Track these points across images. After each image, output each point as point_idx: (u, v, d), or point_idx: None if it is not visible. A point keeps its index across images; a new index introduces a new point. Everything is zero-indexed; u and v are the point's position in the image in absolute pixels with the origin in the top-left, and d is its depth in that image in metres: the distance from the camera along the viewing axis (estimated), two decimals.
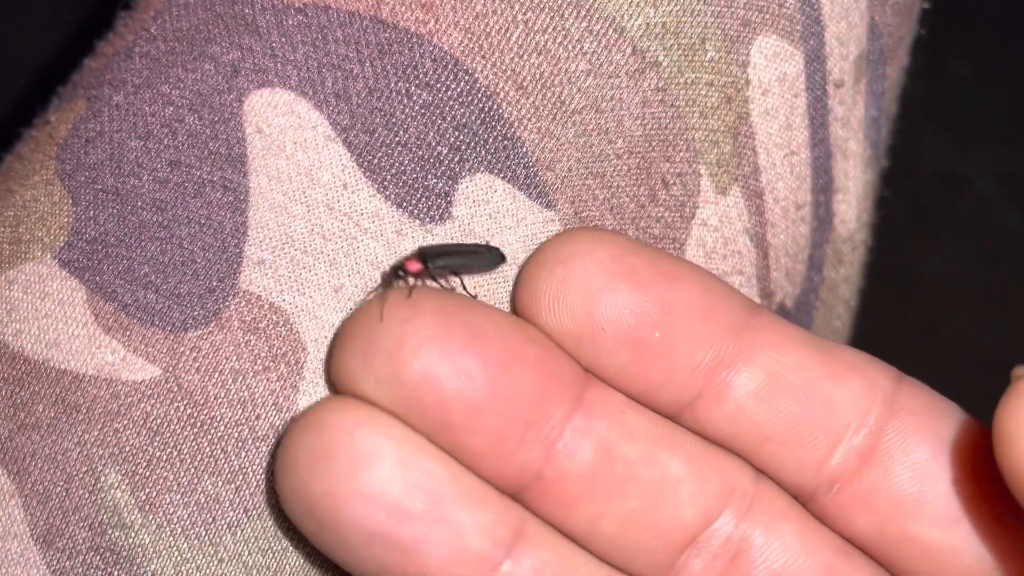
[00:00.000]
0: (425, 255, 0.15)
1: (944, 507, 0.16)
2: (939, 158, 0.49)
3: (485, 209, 0.15)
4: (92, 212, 0.15)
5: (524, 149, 0.15)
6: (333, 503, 0.14)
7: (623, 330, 0.15)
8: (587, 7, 0.15)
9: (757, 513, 0.17)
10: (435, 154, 0.15)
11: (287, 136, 0.15)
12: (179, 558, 0.15)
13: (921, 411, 0.16)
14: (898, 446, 0.16)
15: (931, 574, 0.17)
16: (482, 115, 0.15)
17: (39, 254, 0.15)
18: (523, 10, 0.15)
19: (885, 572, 0.17)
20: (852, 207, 0.19)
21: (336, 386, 0.15)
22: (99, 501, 0.14)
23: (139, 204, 0.15)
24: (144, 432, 0.14)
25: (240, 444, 0.15)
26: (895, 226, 0.26)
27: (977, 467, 0.16)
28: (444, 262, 0.15)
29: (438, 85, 0.15)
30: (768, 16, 0.17)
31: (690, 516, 0.16)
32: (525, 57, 0.15)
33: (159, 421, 0.14)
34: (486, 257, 0.15)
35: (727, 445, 0.17)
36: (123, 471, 0.14)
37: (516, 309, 0.16)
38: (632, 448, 0.16)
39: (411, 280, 0.15)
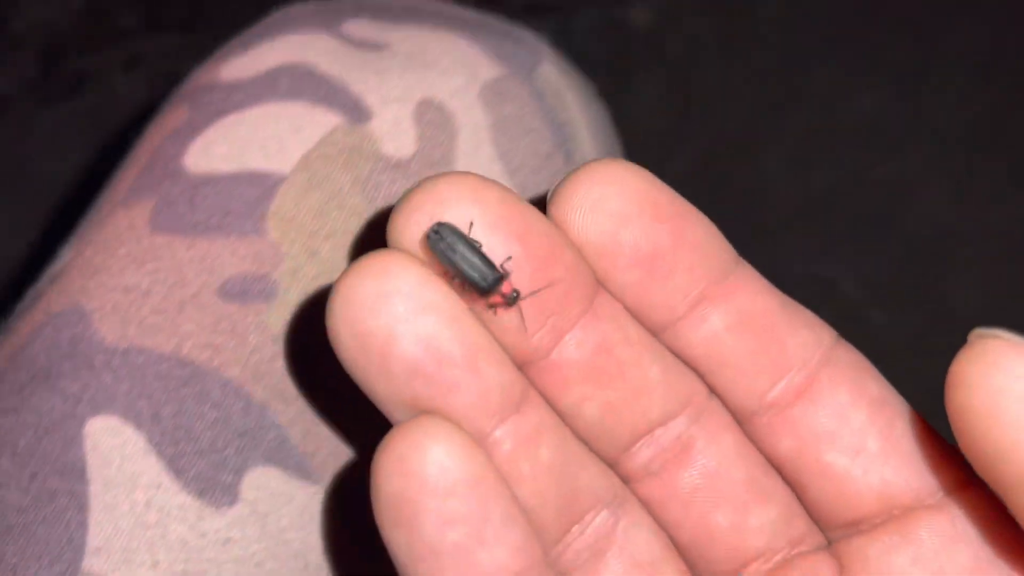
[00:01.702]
0: (497, 279, 0.17)
1: (852, 440, 0.18)
2: (808, 262, 0.53)
3: (266, 492, 0.20)
4: None
5: (292, 444, 0.20)
6: (389, 338, 0.16)
7: (639, 252, 0.18)
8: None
9: (705, 422, 0.19)
10: (224, 456, 0.20)
11: (115, 451, 0.20)
12: None
13: (850, 367, 0.19)
14: (826, 389, 0.19)
15: (832, 494, 0.19)
16: (258, 423, 0.20)
17: None
18: (283, 345, 0.21)
19: (789, 489, 0.19)
20: None
21: (398, 244, 0.17)
22: None
23: (6, 510, 0.20)
24: None
25: None
26: None
27: (886, 416, 0.19)
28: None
29: (224, 405, 0.20)
30: None
31: (655, 414, 0.18)
32: (287, 379, 0.20)
33: None
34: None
35: (692, 364, 0.19)
36: None
37: (549, 214, 0.18)
38: (626, 350, 0.18)
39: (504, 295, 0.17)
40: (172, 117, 0.23)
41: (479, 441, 0.17)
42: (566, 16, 0.55)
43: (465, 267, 0.17)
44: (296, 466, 0.20)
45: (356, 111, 0.22)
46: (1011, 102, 0.51)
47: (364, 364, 0.17)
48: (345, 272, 0.17)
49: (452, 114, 0.23)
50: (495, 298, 0.17)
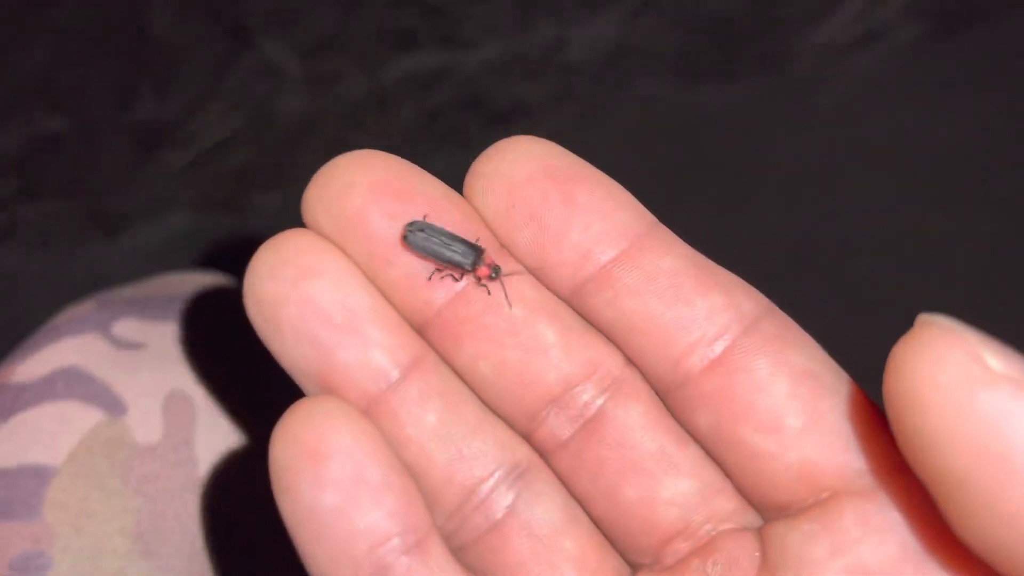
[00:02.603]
0: (478, 254, 0.18)
1: (770, 416, 0.17)
2: None
3: None
4: None
5: None
6: (279, 301, 0.17)
7: (529, 212, 0.18)
8: None
9: (617, 392, 0.18)
10: None
11: None
12: None
13: (776, 338, 0.18)
14: (744, 360, 0.17)
15: (751, 472, 0.18)
16: None
17: None
18: None
19: (714, 464, 0.18)
20: None
21: (304, 221, 0.18)
22: None
23: None
24: None
25: None
26: None
27: (811, 391, 0.17)
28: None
29: None
30: None
31: (553, 377, 0.18)
32: None
33: None
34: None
35: (606, 331, 0.18)
36: None
37: (464, 193, 0.19)
38: (517, 308, 0.18)
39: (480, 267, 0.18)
40: None
41: (365, 403, 0.18)
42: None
43: (446, 252, 0.18)
44: None
45: (116, 406, 0.27)
46: (818, 220, 0.57)
47: (263, 330, 0.18)
48: (260, 247, 0.18)
49: (192, 400, 0.27)
50: (481, 271, 0.18)
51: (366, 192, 0.18)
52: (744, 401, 0.17)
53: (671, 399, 0.18)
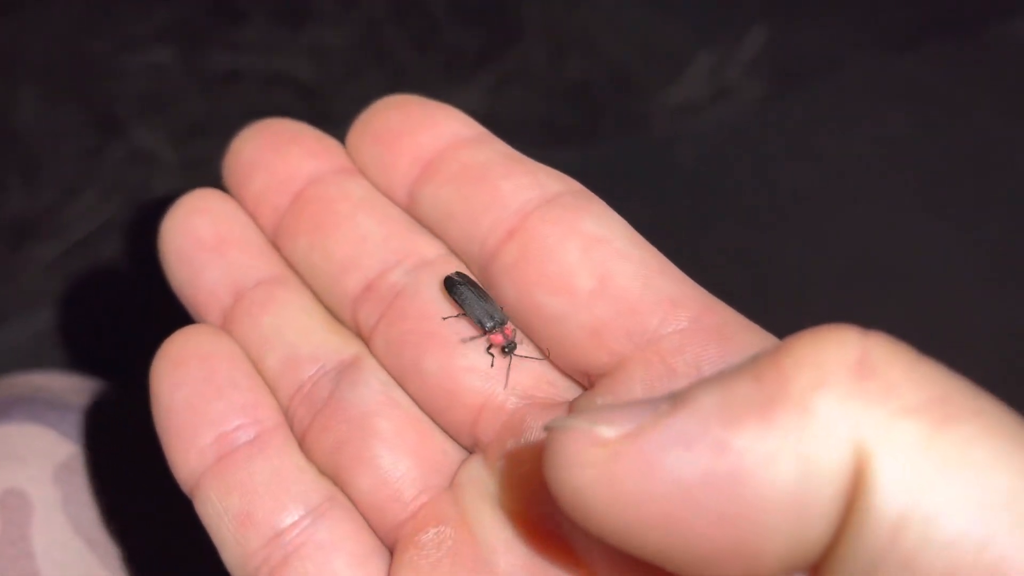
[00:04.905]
0: (500, 321, 0.19)
1: (560, 279, 0.18)
2: None
3: None
4: None
5: None
6: (171, 235, 0.21)
7: (373, 132, 0.21)
8: None
9: (423, 271, 0.20)
10: None
11: None
12: None
13: (571, 208, 0.19)
14: (536, 228, 0.18)
15: (551, 337, 0.18)
16: None
17: None
18: None
19: (530, 345, 0.19)
20: None
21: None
22: None
23: None
24: None
25: None
26: None
27: (601, 255, 0.18)
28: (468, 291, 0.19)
29: None
30: None
31: (368, 262, 0.20)
32: None
33: None
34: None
35: (431, 225, 0.20)
36: None
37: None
38: (343, 206, 0.21)
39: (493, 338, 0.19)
40: None
41: (222, 315, 0.21)
42: None
43: (474, 307, 0.19)
44: None
45: None
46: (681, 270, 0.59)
47: (163, 263, 0.22)
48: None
49: (28, 496, 0.27)
50: (496, 338, 0.19)
51: (247, 140, 0.22)
52: (537, 267, 0.18)
53: (486, 278, 0.19)
